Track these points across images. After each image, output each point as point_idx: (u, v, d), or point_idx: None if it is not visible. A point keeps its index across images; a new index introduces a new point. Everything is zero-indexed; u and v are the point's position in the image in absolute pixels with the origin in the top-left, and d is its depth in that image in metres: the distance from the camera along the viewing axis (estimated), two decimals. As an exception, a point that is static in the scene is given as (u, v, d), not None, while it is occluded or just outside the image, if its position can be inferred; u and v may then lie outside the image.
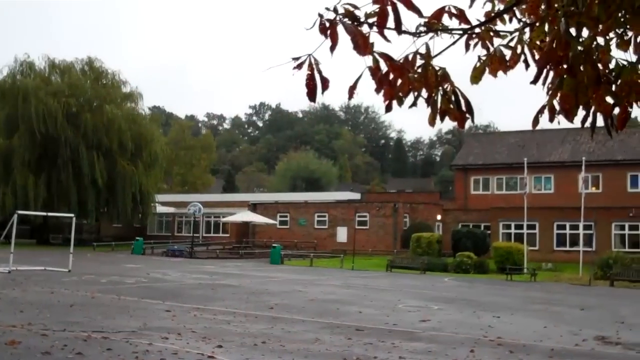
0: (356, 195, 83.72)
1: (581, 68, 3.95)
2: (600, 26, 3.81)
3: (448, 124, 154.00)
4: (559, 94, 3.97)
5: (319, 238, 65.54)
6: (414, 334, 16.86)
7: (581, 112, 4.21)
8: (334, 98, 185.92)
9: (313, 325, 17.99)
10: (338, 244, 62.83)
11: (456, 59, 5.18)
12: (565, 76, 3.87)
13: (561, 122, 4.33)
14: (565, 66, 3.82)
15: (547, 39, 3.98)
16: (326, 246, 63.34)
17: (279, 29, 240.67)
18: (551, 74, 4.06)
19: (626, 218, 53.92)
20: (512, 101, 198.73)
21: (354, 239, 53.32)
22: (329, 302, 24.03)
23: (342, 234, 64.63)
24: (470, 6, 4.57)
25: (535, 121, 4.37)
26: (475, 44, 4.51)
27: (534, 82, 3.95)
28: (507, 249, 47.06)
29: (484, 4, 4.46)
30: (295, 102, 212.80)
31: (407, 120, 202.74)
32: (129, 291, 25.86)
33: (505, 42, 4.47)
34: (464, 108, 4.24)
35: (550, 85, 4.06)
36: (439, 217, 64.27)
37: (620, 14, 3.74)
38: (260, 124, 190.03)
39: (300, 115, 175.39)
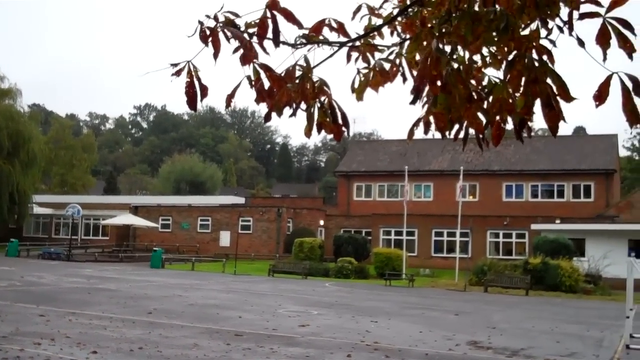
0: (240, 200, 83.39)
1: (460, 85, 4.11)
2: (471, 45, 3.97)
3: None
4: (433, 111, 4.11)
5: (201, 242, 64.94)
6: (292, 339, 16.98)
7: (456, 126, 4.36)
8: (220, 102, 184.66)
9: (192, 330, 17.86)
10: (221, 248, 62.42)
11: (343, 71, 5.27)
12: (438, 94, 4.00)
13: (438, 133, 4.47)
14: (439, 84, 3.96)
15: (421, 56, 4.12)
16: (209, 250, 62.82)
17: (166, 30, 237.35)
18: (427, 90, 4.18)
19: (501, 226, 55.94)
20: (395, 110, 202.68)
21: (236, 243, 53.12)
22: (209, 307, 23.89)
23: (225, 238, 64.25)
24: (352, 18, 4.67)
25: (411, 134, 4.48)
26: (357, 57, 4.61)
27: (413, 102, 4.07)
28: (387, 254, 47.96)
29: (361, 18, 4.56)
30: (181, 104, 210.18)
31: (293, 126, 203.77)
32: (1, 295, 24.95)
33: (384, 55, 4.59)
34: (340, 121, 4.33)
35: (425, 102, 4.19)
36: (322, 222, 64.86)
37: (491, 34, 3.90)
38: (144, 125, 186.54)
39: (186, 117, 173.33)
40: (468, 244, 53.56)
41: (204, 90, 4.18)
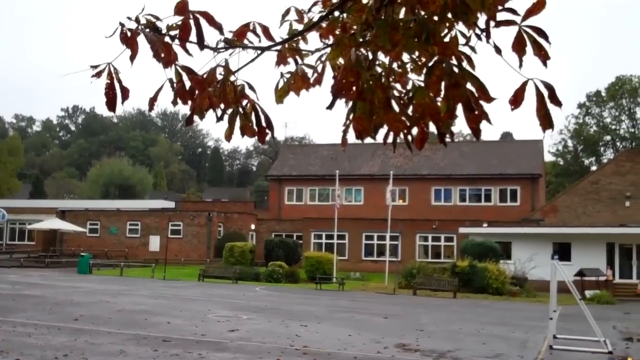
0: (170, 204, 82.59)
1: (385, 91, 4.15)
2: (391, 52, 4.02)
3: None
4: (353, 116, 4.14)
5: (130, 247, 64.02)
6: (221, 344, 16.88)
7: (382, 130, 4.40)
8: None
9: (119, 336, 17.59)
10: (150, 253, 61.60)
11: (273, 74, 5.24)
12: (358, 100, 4.04)
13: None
14: (357, 90, 3.99)
15: (343, 62, 4.15)
16: (138, 255, 61.97)
17: (92, 32, 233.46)
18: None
19: (429, 230, 56.69)
20: (327, 114, 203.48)
21: (166, 248, 52.52)
22: (137, 313, 23.56)
23: (154, 243, 63.45)
24: (281, 21, 4.67)
25: (344, 140, 4.50)
26: (283, 61, 4.61)
27: (329, 107, 4.10)
28: (317, 258, 48.11)
29: (281, 24, 4.57)
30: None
31: (224, 130, 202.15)
32: None
33: (312, 60, 4.60)
34: (264, 124, 4.33)
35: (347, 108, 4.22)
36: (253, 226, 64.68)
37: (410, 41, 3.94)
38: (73, 127, 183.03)
39: (116, 120, 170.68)
40: (398, 248, 54.05)
41: (125, 93, 4.13)
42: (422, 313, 28.76)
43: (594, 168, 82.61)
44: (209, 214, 63.20)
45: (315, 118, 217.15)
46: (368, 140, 4.43)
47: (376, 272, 51.51)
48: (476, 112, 3.86)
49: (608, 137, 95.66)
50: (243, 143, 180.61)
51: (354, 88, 3.97)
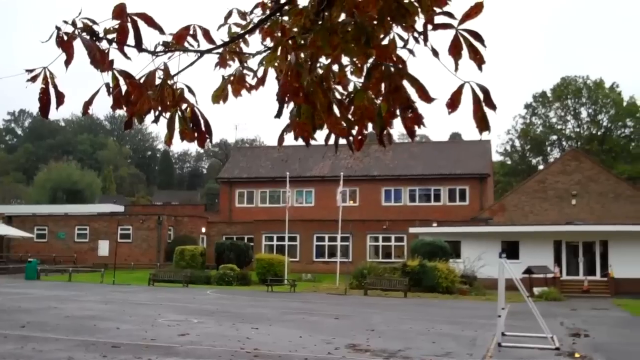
0: (120, 208, 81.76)
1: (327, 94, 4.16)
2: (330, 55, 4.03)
3: (215, 137, 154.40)
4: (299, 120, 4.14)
5: (79, 252, 63.17)
6: (171, 349, 16.75)
7: (325, 132, 4.41)
8: (99, 108, 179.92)
9: (67, 343, 17.34)
10: (99, 257, 60.91)
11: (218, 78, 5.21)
12: (301, 105, 4.04)
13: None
14: (303, 94, 3.99)
15: (282, 66, 4.15)
16: (87, 260, 61.18)
17: (39, 34, 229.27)
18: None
19: (380, 230, 57.02)
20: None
21: (115, 252, 51.92)
22: (85, 319, 23.24)
23: (103, 248, 62.71)
24: (224, 23, 4.64)
25: (281, 140, 4.50)
26: (224, 64, 4.59)
27: (277, 116, 4.09)
28: (269, 260, 48.04)
29: (219, 27, 4.55)
30: (58, 110, 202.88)
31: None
32: None
33: (254, 62, 4.59)
34: (203, 129, 4.30)
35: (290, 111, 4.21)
36: (203, 229, 64.32)
37: (349, 45, 3.95)
38: (19, 131, 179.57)
39: (63, 124, 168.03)
40: (349, 248, 54.23)
41: (60, 98, 4.07)
42: (373, 313, 28.88)
43: (540, 167, 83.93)
44: (159, 217, 62.68)
45: (266, 120, 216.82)
46: (319, 141, 4.44)
47: (327, 273, 51.63)
48: (413, 114, 3.89)
49: (554, 137, 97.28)
50: (193, 146, 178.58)
51: (300, 93, 3.97)
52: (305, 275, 51.54)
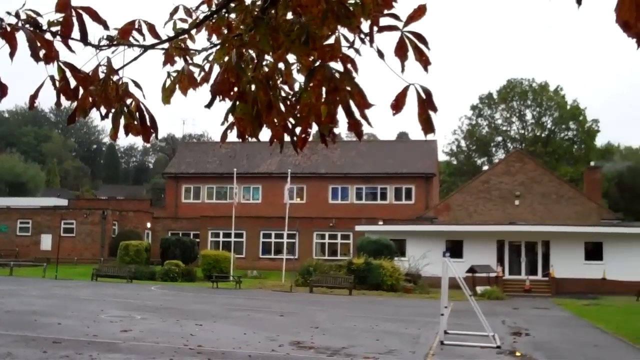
0: (64, 202, 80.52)
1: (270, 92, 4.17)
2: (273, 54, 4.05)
3: (162, 132, 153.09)
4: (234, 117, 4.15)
5: (21, 246, 62.05)
6: (114, 345, 16.58)
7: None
8: (44, 100, 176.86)
9: (6, 338, 17.04)
10: (42, 252, 59.92)
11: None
12: (238, 102, 4.05)
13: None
14: (238, 90, 4.00)
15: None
16: (29, 254, 60.15)
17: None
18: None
19: (327, 228, 57.20)
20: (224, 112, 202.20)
21: (58, 246, 51.11)
22: (26, 314, 22.86)
23: (46, 242, 61.72)
24: (170, 19, 4.62)
25: (224, 136, 4.49)
26: (170, 61, 4.57)
27: (208, 106, 4.10)
28: (214, 257, 47.77)
29: (165, 23, 4.53)
30: (2, 102, 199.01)
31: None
32: None
33: (198, 59, 4.58)
34: (148, 124, 4.28)
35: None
36: (149, 225, 63.73)
37: (293, 44, 3.97)
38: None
39: (7, 115, 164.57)
40: (295, 246, 54.32)
41: (4, 89, 4.02)
42: (318, 310, 28.97)
43: (485, 168, 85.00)
44: (104, 212, 61.94)
45: (214, 116, 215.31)
46: (267, 138, 4.45)
47: (274, 270, 51.62)
48: (351, 120, 3.92)
49: (499, 138, 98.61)
50: (139, 140, 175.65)
51: (235, 89, 3.98)
52: (251, 272, 51.45)
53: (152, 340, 17.70)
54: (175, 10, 4.64)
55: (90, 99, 4.10)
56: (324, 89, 3.89)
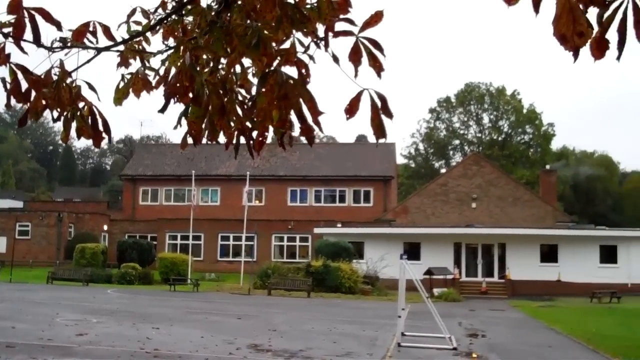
0: (19, 204, 79.32)
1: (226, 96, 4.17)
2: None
3: (120, 134, 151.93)
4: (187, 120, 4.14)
5: (-26, 248, 60.97)
6: (69, 349, 16.39)
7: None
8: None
9: (-43, 343, 16.74)
10: (-4, 254, 58.93)
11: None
12: (191, 105, 4.04)
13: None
14: (191, 95, 3.99)
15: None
16: (-18, 257, 59.10)
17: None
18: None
19: (285, 230, 57.19)
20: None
21: (13, 249, 50.33)
22: (-22, 318, 22.49)
23: (1, 244, 60.67)
24: (118, 28, 4.58)
25: (184, 142, 4.46)
26: (125, 63, 4.54)
27: (162, 111, 4.08)
28: (172, 259, 47.49)
29: (119, 25, 4.50)
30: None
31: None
32: None
33: (154, 61, 4.55)
34: (100, 127, 4.25)
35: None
36: (105, 227, 63.09)
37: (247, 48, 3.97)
38: None
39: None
40: (253, 248, 54.21)
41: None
42: (276, 313, 28.93)
43: (443, 171, 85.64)
44: (59, 214, 61.13)
45: (172, 117, 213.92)
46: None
47: (232, 272, 51.44)
48: (303, 126, 3.93)
49: (457, 141, 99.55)
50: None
51: (190, 93, 3.97)
52: (209, 274, 51.21)
53: (108, 344, 17.53)
54: (133, 12, 4.61)
55: (42, 101, 4.06)
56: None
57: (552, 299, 42.44)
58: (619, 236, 49.62)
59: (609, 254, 48.00)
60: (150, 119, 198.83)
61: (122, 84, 4.55)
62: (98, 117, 4.23)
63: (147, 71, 4.55)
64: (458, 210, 56.78)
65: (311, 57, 4.10)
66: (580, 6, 3.04)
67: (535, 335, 24.34)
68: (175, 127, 4.22)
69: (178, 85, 3.95)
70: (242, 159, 66.97)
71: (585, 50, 3.15)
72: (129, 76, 4.56)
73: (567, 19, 3.02)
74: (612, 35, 3.11)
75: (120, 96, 4.47)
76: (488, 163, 60.97)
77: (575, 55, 3.13)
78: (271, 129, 4.25)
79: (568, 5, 3.01)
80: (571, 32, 3.03)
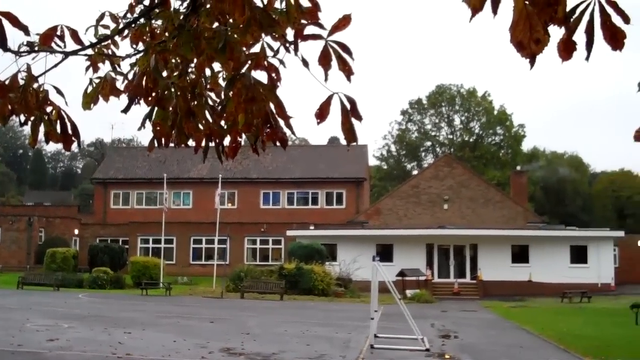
0: (-13, 208, 78.43)
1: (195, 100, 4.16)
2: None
3: (90, 137, 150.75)
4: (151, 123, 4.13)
5: (-58, 253, 60.18)
6: (39, 355, 16.23)
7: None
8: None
9: None
10: (-35, 260, 58.22)
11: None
12: (156, 107, 4.03)
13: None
14: (155, 96, 3.98)
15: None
16: (-49, 263, 58.38)
17: None
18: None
19: (258, 233, 57.10)
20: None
21: (-18, 254, 49.78)
22: (-53, 324, 22.19)
23: (-31, 250, 60.03)
24: (86, 32, 4.56)
25: (151, 146, 4.45)
26: (94, 67, 4.52)
27: (125, 111, 4.07)
28: (144, 263, 47.22)
29: (87, 29, 4.48)
30: None
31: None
32: None
33: (124, 65, 4.54)
34: (70, 131, 4.23)
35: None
36: (76, 231, 62.58)
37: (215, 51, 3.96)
38: None
39: None
40: (226, 251, 54.00)
41: None
42: (248, 316, 28.86)
43: (415, 172, 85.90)
44: (30, 218, 60.55)
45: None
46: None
47: (205, 276, 51.21)
48: (271, 130, 3.93)
49: (428, 143, 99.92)
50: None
51: (153, 94, 3.96)
52: (181, 278, 50.95)
53: (80, 349, 17.37)
54: (102, 16, 4.60)
55: (9, 106, 4.02)
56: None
57: (524, 299, 42.77)
58: (589, 236, 50.16)
59: (579, 254, 48.52)
60: (121, 121, 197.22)
61: (90, 89, 4.52)
62: (67, 121, 4.20)
63: (116, 75, 4.53)
64: (430, 212, 57.03)
65: (281, 61, 4.11)
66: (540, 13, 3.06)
67: (506, 335, 24.51)
68: (140, 129, 4.22)
69: (141, 85, 3.94)
70: (214, 162, 66.67)
71: (553, 53, 3.19)
72: (97, 80, 4.54)
73: (524, 26, 3.05)
74: (579, 36, 3.16)
75: (88, 100, 4.44)
76: (459, 164, 61.28)
77: (532, 62, 3.15)
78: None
79: (525, 12, 3.03)
80: (528, 39, 3.06)
